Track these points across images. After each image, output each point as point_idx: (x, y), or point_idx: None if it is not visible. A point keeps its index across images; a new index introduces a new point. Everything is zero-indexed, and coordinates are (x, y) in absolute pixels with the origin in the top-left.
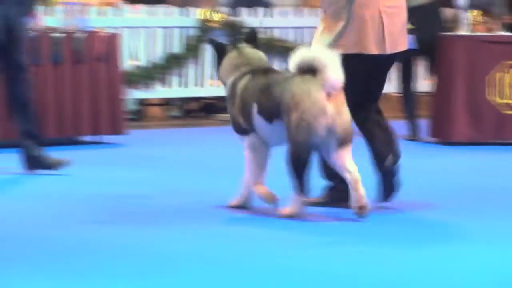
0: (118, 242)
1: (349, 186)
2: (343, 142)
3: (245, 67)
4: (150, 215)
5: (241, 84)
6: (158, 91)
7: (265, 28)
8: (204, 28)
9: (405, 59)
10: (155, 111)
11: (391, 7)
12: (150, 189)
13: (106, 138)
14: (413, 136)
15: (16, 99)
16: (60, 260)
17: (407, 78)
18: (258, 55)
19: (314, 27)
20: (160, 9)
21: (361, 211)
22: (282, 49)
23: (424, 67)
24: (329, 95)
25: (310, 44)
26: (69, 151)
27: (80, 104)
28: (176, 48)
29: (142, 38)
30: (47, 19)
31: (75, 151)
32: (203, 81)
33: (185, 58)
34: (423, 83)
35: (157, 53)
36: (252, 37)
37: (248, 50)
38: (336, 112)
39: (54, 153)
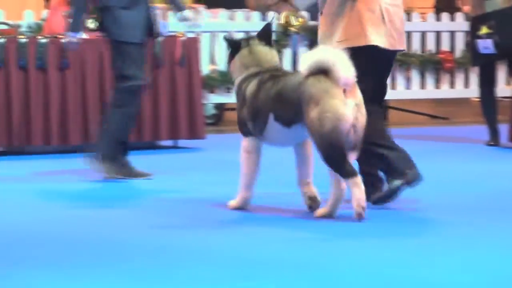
0: (199, 247)
1: (350, 188)
2: (355, 147)
3: (254, 67)
4: (229, 220)
5: (250, 88)
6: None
7: None
8: (284, 32)
9: (485, 64)
10: (234, 115)
11: (392, 4)
12: (228, 193)
13: (184, 142)
14: (494, 142)
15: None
16: (140, 264)
17: (487, 83)
18: (269, 54)
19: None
20: (239, 13)
21: (360, 214)
22: None
23: (504, 71)
24: (345, 91)
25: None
26: (148, 156)
27: (159, 108)
28: None
29: (221, 42)
30: None
31: (153, 155)
32: None
33: None
34: (504, 88)
35: None
36: (265, 33)
37: (260, 48)
38: (357, 107)
39: (134, 158)
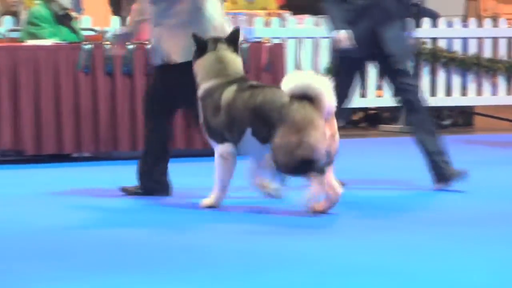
0: (282, 252)
1: (328, 199)
2: (330, 162)
3: (223, 77)
4: (320, 225)
5: (226, 97)
6: None
7: (430, 38)
8: None
9: None
10: None
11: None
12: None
13: None
14: None
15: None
16: (228, 269)
17: None
18: (236, 62)
19: (480, 38)
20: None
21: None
22: (446, 60)
23: None
24: (325, 120)
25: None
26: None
27: None
28: None
29: (307, 48)
30: None
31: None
32: (367, 92)
33: None
34: None
35: (322, 64)
36: (233, 38)
37: (228, 55)
38: (331, 136)
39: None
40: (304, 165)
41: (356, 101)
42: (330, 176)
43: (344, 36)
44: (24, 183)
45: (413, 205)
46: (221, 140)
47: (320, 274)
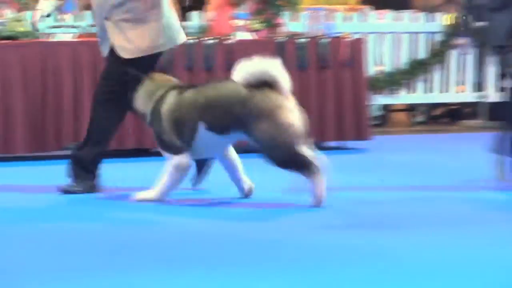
0: (371, 248)
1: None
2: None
3: (160, 90)
4: (399, 221)
5: (166, 106)
6: (402, 97)
7: None
8: (450, 33)
9: None
10: (400, 116)
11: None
12: (395, 195)
13: (350, 143)
14: None
15: None
16: (309, 264)
17: None
18: (170, 79)
19: None
20: (405, 14)
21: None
22: None
23: None
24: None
25: None
26: None
27: (325, 109)
28: (422, 53)
29: (388, 43)
30: (292, 25)
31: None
32: (448, 87)
33: (430, 64)
34: None
35: (402, 59)
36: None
37: (162, 77)
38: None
39: None
40: (290, 152)
41: (437, 97)
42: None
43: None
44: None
45: (494, 203)
46: (176, 150)
47: (404, 271)
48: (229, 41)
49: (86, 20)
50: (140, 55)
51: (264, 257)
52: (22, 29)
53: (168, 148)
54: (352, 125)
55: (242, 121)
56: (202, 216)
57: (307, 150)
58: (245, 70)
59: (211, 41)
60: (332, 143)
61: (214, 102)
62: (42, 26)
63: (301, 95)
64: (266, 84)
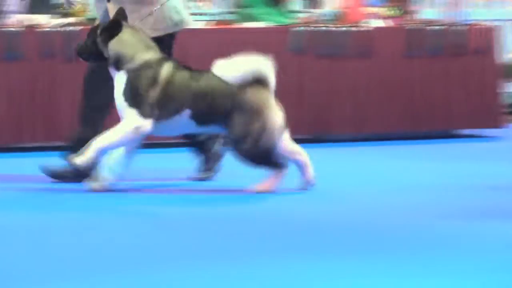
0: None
1: (301, 168)
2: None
3: (155, 52)
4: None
5: (165, 72)
6: None
7: None
8: None
9: None
10: None
11: None
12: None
13: (483, 131)
14: None
15: None
16: (418, 252)
17: None
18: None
19: None
20: None
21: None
22: None
23: None
24: None
25: None
26: (441, 145)
27: (455, 96)
28: None
29: None
30: (426, 12)
31: (448, 144)
32: None
33: None
34: None
35: None
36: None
37: (142, 33)
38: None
39: (426, 147)
40: (268, 152)
41: None
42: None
43: None
44: None
45: None
46: (145, 114)
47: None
48: (364, 29)
49: (218, 7)
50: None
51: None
52: None
53: (138, 106)
54: (484, 112)
55: (228, 116)
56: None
57: (288, 144)
58: (235, 66)
59: (345, 28)
60: (465, 131)
61: (203, 93)
62: None
63: (428, 83)
64: (257, 81)
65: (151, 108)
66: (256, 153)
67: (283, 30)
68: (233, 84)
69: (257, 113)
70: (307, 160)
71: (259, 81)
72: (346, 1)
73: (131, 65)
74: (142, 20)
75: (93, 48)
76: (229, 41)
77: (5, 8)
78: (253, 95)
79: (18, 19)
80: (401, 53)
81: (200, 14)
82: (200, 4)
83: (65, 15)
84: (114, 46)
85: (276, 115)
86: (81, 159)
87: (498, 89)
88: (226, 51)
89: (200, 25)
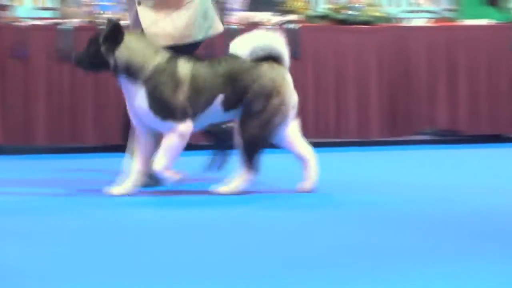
0: None
1: (304, 165)
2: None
3: (163, 52)
4: None
5: (183, 70)
6: None
7: None
8: None
9: None
10: None
11: None
12: None
13: None
14: None
15: None
16: None
17: None
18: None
19: None
20: None
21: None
22: None
23: None
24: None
25: None
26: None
27: None
28: None
29: None
30: None
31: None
32: None
33: None
34: None
35: None
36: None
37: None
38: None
39: None
40: (271, 135)
41: None
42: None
43: None
44: (460, 164)
45: None
46: (182, 117)
47: None
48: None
49: (442, 4)
50: (170, 43)
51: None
52: (377, 14)
53: (173, 114)
54: None
55: (251, 97)
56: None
57: (296, 136)
58: (249, 43)
59: None
60: None
61: (229, 75)
62: (394, 10)
63: None
64: (272, 58)
65: (184, 109)
66: (264, 133)
67: (506, 27)
68: (247, 61)
69: (275, 89)
70: (313, 160)
71: (274, 58)
72: None
73: (145, 74)
74: (170, 26)
75: (96, 57)
76: (450, 38)
77: (228, 6)
78: (270, 71)
79: (241, 17)
80: None
81: (421, 12)
82: (421, 1)
83: (286, 12)
84: (123, 54)
85: (292, 93)
86: (155, 183)
87: None
88: (448, 48)
89: (421, 22)
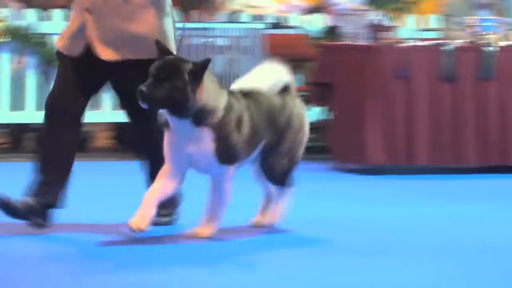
0: None
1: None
2: None
3: (224, 87)
4: None
5: (242, 106)
6: None
7: None
8: None
9: None
10: None
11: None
12: None
13: None
14: None
15: None
16: None
17: None
18: None
19: None
20: None
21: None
22: None
23: None
24: None
25: None
26: None
27: None
28: None
29: None
30: None
31: None
32: None
33: None
34: None
35: None
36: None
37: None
38: None
39: None
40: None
41: None
42: None
43: None
44: None
45: None
46: (238, 160)
47: None
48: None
49: None
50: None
51: None
52: None
53: (235, 155)
54: None
55: (283, 139)
56: None
57: None
58: (268, 77)
59: None
60: None
61: (269, 116)
62: None
63: None
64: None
65: (243, 152)
66: (293, 165)
67: None
68: (277, 97)
69: (301, 123)
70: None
71: (285, 88)
72: None
73: (214, 117)
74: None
75: (176, 94)
76: None
77: None
78: (294, 105)
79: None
80: None
81: None
82: None
83: None
84: (202, 95)
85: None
86: (208, 232)
87: None
88: None
89: None
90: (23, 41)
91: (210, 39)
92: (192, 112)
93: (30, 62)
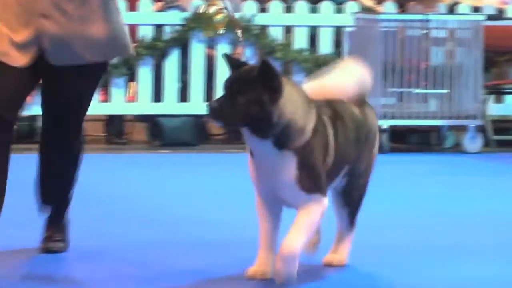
0: None
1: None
2: None
3: (311, 104)
4: None
5: (329, 131)
6: None
7: None
8: None
9: None
10: None
11: None
12: None
13: None
14: None
15: None
16: None
17: None
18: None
19: None
20: None
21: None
22: None
23: None
24: None
25: None
26: None
27: None
28: None
29: None
30: None
31: None
32: None
33: None
34: None
35: None
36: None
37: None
38: None
39: None
40: None
41: None
42: None
43: None
44: None
45: None
46: (326, 190)
47: None
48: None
49: None
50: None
51: None
52: None
53: (323, 185)
54: None
55: (361, 151)
56: None
57: None
58: (348, 82)
59: None
60: None
61: (351, 139)
62: None
63: None
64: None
65: (327, 180)
66: (367, 187)
67: None
68: (356, 111)
69: (376, 134)
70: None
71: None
72: None
73: (301, 139)
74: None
75: (253, 110)
76: None
77: None
78: (372, 116)
79: None
80: None
81: None
82: None
83: None
84: (288, 110)
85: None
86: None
87: None
88: None
89: None
90: None
91: (427, 31)
92: (274, 132)
93: None
